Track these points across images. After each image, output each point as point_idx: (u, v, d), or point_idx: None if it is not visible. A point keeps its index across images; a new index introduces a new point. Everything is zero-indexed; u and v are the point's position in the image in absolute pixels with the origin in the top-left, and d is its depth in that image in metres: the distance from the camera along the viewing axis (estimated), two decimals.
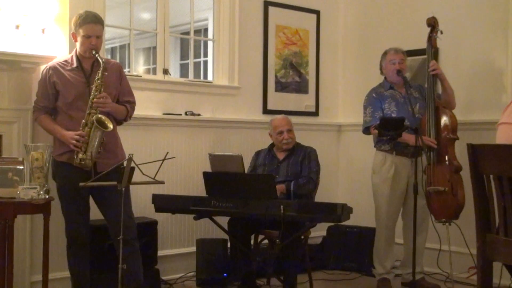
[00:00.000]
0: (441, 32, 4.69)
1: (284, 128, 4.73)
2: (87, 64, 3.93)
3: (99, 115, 3.79)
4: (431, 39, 4.71)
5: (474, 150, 2.97)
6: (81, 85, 3.88)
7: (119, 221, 3.55)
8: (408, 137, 4.48)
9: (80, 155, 3.77)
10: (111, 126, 3.82)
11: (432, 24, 4.70)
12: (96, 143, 3.77)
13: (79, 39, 3.87)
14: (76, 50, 3.95)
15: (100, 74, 3.82)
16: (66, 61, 3.94)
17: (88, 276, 4.03)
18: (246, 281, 4.42)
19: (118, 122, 4.07)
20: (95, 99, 3.79)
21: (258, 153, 4.89)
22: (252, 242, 4.68)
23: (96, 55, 3.84)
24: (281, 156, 4.75)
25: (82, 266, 3.99)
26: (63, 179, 3.90)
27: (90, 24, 3.83)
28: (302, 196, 4.52)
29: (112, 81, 3.96)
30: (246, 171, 4.59)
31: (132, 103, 4.11)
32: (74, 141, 3.76)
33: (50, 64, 3.96)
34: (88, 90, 3.86)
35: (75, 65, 3.90)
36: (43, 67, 4.03)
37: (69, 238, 3.97)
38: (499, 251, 2.93)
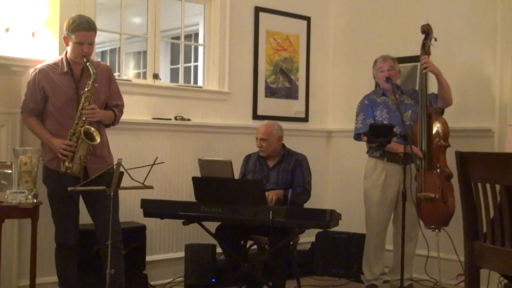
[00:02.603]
0: (435, 40, 4.68)
1: (258, 135, 4.73)
2: (77, 69, 3.89)
3: (87, 127, 3.75)
4: (425, 46, 4.67)
5: (462, 158, 2.98)
6: (71, 90, 3.84)
7: (107, 226, 3.53)
8: (396, 146, 4.48)
9: (66, 164, 3.74)
10: (98, 139, 3.78)
11: (427, 31, 4.66)
12: (83, 153, 3.74)
13: (70, 44, 3.81)
14: (66, 53, 3.89)
15: (90, 86, 3.78)
16: (56, 64, 3.89)
17: (76, 280, 4.00)
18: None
19: (106, 125, 4.05)
20: (84, 111, 3.76)
21: (248, 158, 4.88)
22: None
23: (88, 64, 3.78)
24: (270, 163, 4.73)
25: (70, 270, 3.97)
26: (53, 184, 3.88)
27: (83, 32, 3.76)
28: (296, 205, 4.52)
29: (102, 85, 3.92)
30: (235, 176, 4.58)
31: (121, 106, 4.09)
32: (61, 150, 3.74)
33: (39, 66, 3.90)
34: (77, 96, 3.82)
35: (65, 69, 3.85)
36: (32, 69, 3.98)
37: (58, 242, 3.95)
38: (486, 258, 2.94)
